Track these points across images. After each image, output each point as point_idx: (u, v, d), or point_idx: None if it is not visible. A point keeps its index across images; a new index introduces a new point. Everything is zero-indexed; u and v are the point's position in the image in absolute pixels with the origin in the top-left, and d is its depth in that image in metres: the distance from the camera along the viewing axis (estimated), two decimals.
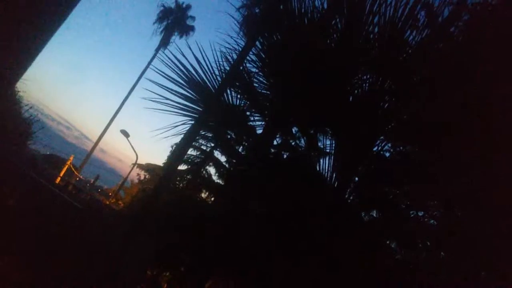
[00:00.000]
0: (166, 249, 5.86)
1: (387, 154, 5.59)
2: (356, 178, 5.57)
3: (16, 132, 7.96)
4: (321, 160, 5.51)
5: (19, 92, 8.63)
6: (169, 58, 5.59)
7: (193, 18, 39.90)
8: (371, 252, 4.71)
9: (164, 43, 34.77)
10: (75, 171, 17.10)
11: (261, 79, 6.07)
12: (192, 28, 38.48)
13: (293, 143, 6.31)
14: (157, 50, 28.75)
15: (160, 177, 6.05)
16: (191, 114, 5.96)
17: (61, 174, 14.21)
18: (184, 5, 40.24)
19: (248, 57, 5.68)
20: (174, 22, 39.15)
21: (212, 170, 9.48)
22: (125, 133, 20.06)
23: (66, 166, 15.17)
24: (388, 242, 5.37)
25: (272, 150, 6.40)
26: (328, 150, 5.75)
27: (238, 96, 6.13)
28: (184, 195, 7.16)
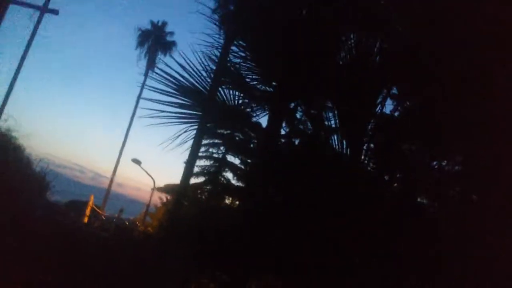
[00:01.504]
0: (205, 261, 5.90)
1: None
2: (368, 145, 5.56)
3: (32, 188, 8.04)
4: (333, 137, 5.47)
5: (25, 149, 8.71)
6: (158, 74, 5.65)
7: (171, 33, 39.88)
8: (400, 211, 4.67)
9: (150, 65, 34.83)
10: (98, 210, 17.27)
11: (249, 65, 6.03)
12: (173, 43, 38.46)
13: (301, 128, 6.30)
14: (145, 74, 28.89)
15: (177, 195, 6.06)
16: (190, 120, 5.96)
17: (87, 213, 14.45)
18: (160, 24, 40.24)
19: (232, 49, 5.68)
20: (155, 42, 39.20)
21: (229, 175, 9.49)
22: (137, 161, 20.15)
23: (89, 207, 15.33)
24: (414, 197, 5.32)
25: (283, 140, 6.40)
26: (334, 126, 5.73)
27: (232, 92, 6.10)
28: (204, 206, 7.18)
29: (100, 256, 5.61)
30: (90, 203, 16.62)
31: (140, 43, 39.77)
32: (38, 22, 17.47)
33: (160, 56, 38.99)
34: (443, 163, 5.90)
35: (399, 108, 5.89)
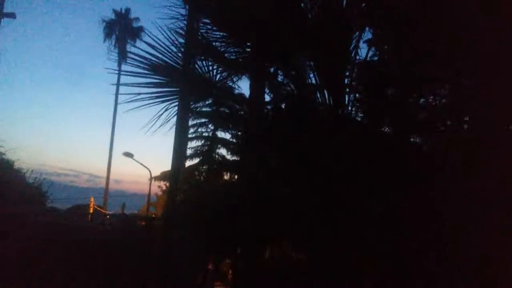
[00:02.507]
0: (216, 240, 5.96)
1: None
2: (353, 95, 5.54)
3: (28, 198, 8.01)
4: (317, 95, 5.42)
5: (14, 162, 8.63)
6: (130, 58, 5.57)
7: (137, 19, 38.95)
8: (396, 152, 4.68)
9: (122, 55, 34.04)
10: (101, 210, 17.35)
11: (217, 31, 5.91)
12: (141, 29, 37.51)
13: (284, 92, 6.25)
14: (119, 64, 28.32)
15: (170, 181, 6.02)
16: (169, 98, 5.88)
17: (91, 211, 14.68)
18: (123, 11, 39.23)
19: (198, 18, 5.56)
20: (122, 31, 38.30)
21: (223, 151, 9.50)
22: (129, 154, 20.10)
23: (91, 208, 15.44)
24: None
25: (268, 107, 6.36)
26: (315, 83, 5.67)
27: (207, 63, 6.00)
28: (203, 186, 7.21)
29: (105, 248, 5.69)
30: (91, 204, 16.70)
31: (108, 35, 38.90)
32: None
33: (130, 44, 38.19)
34: (430, 99, 5.90)
35: (377, 52, 5.83)
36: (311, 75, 5.67)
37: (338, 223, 4.45)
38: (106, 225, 11.91)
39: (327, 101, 5.13)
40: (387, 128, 5.89)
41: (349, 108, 5.34)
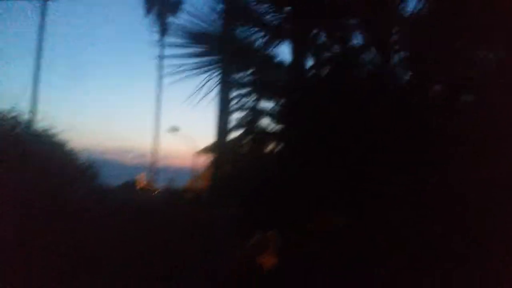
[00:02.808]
0: (261, 211, 5.92)
1: None
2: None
3: (81, 177, 8.34)
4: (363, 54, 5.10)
5: (66, 143, 8.96)
6: (171, 30, 5.55)
7: None
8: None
9: (163, 27, 34.32)
10: (149, 185, 17.97)
11: None
12: (179, 2, 37.46)
13: (327, 56, 5.96)
14: (160, 37, 28.52)
15: (216, 153, 5.99)
16: (210, 67, 5.77)
17: (140, 187, 15.30)
18: None
19: None
20: (162, 5, 38.42)
21: (265, 121, 9.35)
22: (174, 129, 20.55)
23: (141, 184, 16.00)
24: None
25: (310, 74, 6.10)
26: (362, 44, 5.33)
27: (248, 29, 5.81)
28: (247, 158, 7.13)
29: (153, 220, 5.85)
30: (141, 180, 17.33)
31: (148, 9, 39.07)
32: (43, 12, 17.53)
33: (170, 15, 38.31)
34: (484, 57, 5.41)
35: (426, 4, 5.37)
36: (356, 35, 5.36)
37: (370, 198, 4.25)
38: (154, 199, 12.31)
39: (375, 61, 4.82)
40: (436, 87, 5.49)
41: (397, 67, 5.02)
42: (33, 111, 15.35)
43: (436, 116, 4.47)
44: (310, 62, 5.86)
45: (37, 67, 17.33)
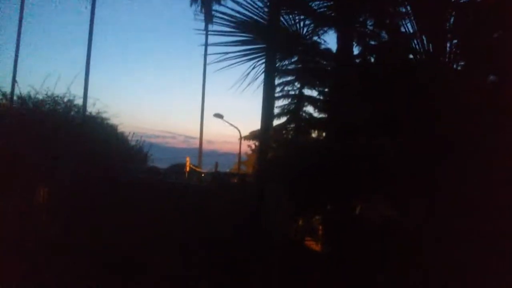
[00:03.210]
0: (306, 196, 5.99)
1: None
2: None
3: (132, 159, 8.72)
4: (413, 41, 4.96)
5: (118, 126, 9.37)
6: (217, 17, 5.63)
7: None
8: None
9: (208, 15, 34.58)
10: (196, 168, 18.39)
11: None
12: None
13: (373, 43, 5.85)
14: (205, 25, 28.90)
15: (260, 139, 6.07)
16: (256, 55, 5.83)
17: (187, 170, 15.69)
18: None
19: None
20: None
21: (310, 109, 9.36)
22: (219, 115, 20.85)
23: (188, 167, 16.41)
24: None
25: (357, 60, 6.02)
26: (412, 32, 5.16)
27: (293, 16, 5.78)
28: (291, 144, 7.17)
29: (202, 199, 6.12)
30: (187, 163, 17.80)
31: None
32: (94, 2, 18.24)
33: (215, 6, 38.39)
34: None
35: None
36: (405, 23, 5.20)
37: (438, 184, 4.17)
38: (202, 182, 12.63)
39: (426, 48, 4.67)
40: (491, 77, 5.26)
41: (449, 55, 4.84)
42: (85, 95, 16.07)
43: (488, 107, 4.31)
44: (356, 50, 5.79)
45: (89, 55, 18.09)
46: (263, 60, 5.71)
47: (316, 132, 8.13)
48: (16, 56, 19.38)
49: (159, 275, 4.62)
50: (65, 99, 7.42)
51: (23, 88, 7.80)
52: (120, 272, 4.51)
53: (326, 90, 7.51)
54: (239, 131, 20.44)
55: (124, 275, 4.50)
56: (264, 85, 5.15)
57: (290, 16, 5.77)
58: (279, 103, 9.45)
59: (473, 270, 3.93)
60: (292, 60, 6.70)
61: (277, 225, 5.35)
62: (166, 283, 4.62)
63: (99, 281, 4.33)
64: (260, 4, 5.60)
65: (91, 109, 8.36)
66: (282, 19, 5.67)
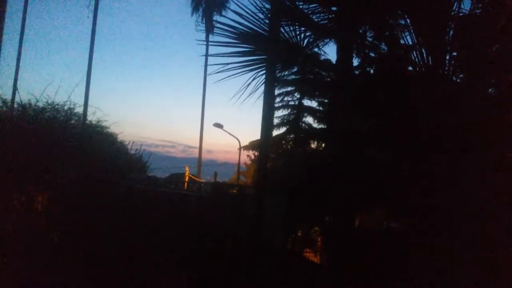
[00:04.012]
0: (305, 207, 5.98)
1: None
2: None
3: (131, 168, 8.72)
4: (413, 53, 5.00)
5: (118, 135, 9.39)
6: (218, 28, 5.69)
7: None
8: None
9: (209, 25, 34.87)
10: (195, 178, 18.39)
11: None
12: (226, 0, 37.83)
13: (372, 55, 5.89)
14: (206, 36, 29.06)
15: (260, 150, 6.10)
16: (256, 66, 5.86)
17: (186, 180, 15.68)
18: None
19: None
20: (208, 2, 38.90)
21: (309, 119, 9.39)
22: (218, 125, 20.85)
23: (187, 177, 16.42)
24: None
25: (356, 72, 6.06)
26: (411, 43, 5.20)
27: (293, 28, 5.83)
28: (290, 155, 7.18)
29: (199, 208, 6.13)
30: (187, 173, 17.82)
31: (195, 8, 39.70)
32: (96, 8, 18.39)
33: (216, 14, 38.71)
34: None
35: (479, 5, 5.18)
36: (405, 35, 5.25)
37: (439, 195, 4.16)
38: (201, 192, 12.65)
39: (425, 60, 4.70)
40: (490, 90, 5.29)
41: (448, 68, 4.87)
42: (86, 104, 16.08)
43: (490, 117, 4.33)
44: (356, 62, 5.83)
45: (90, 64, 18.17)
46: (263, 71, 5.75)
47: (315, 143, 8.15)
48: (18, 63, 19.46)
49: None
50: (66, 107, 7.45)
51: (24, 95, 7.83)
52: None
53: (326, 100, 7.56)
54: (238, 141, 20.45)
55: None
56: (264, 95, 5.18)
57: (291, 28, 5.82)
58: (279, 113, 9.49)
59: (473, 279, 3.92)
60: (292, 70, 6.74)
61: (277, 236, 5.36)
62: None
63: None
64: (261, 15, 5.65)
65: (92, 117, 8.37)
66: (282, 30, 5.72)
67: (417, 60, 4.85)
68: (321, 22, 5.78)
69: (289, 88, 7.94)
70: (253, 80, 5.92)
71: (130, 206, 5.40)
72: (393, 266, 4.62)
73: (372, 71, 6.03)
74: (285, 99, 8.64)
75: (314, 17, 5.71)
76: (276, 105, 8.19)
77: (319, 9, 5.61)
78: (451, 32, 5.05)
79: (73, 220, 5.01)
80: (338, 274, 5.26)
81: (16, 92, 8.33)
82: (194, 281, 4.96)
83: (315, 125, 8.27)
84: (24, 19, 20.18)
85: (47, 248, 4.78)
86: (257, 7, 5.60)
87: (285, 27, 5.78)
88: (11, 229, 4.90)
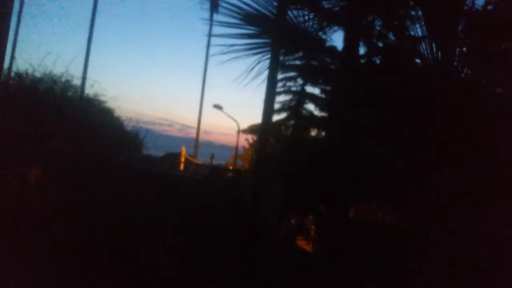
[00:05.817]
0: (299, 195, 5.94)
1: None
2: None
3: (127, 145, 8.63)
4: (421, 45, 4.88)
5: (115, 110, 9.24)
6: (223, 8, 5.53)
7: None
8: None
9: (214, 4, 34.41)
10: (192, 159, 18.33)
11: None
12: None
13: (380, 45, 5.76)
14: (210, 15, 28.81)
15: (259, 134, 6.02)
16: (261, 50, 5.73)
17: (183, 160, 15.62)
18: None
19: None
20: None
21: (311, 106, 9.28)
22: (218, 107, 20.77)
23: (183, 157, 16.35)
24: None
25: (362, 61, 5.94)
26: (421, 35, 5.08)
27: (301, 12, 5.68)
28: (289, 141, 7.10)
29: (196, 192, 6.09)
30: (183, 153, 17.73)
31: None
32: None
33: None
34: None
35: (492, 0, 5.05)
36: (415, 27, 5.12)
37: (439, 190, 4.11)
38: (198, 174, 12.61)
39: (435, 54, 4.59)
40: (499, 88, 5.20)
41: (457, 63, 4.77)
42: (84, 77, 15.86)
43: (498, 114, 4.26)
44: (362, 50, 5.70)
45: (90, 38, 17.89)
46: (268, 55, 5.62)
47: (315, 130, 8.06)
48: (17, 29, 19.10)
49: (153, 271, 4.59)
50: (63, 79, 7.31)
51: (21, 65, 7.67)
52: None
53: (329, 88, 7.44)
54: (237, 124, 20.40)
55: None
56: (268, 80, 5.07)
57: (299, 12, 5.66)
58: (280, 98, 9.35)
59: (470, 272, 3.90)
60: (296, 56, 6.61)
61: (272, 222, 5.33)
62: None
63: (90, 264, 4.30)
64: None
65: (89, 90, 8.23)
66: (290, 14, 5.57)
67: (425, 53, 4.73)
68: (330, 7, 5.63)
69: (292, 74, 7.82)
70: (257, 64, 5.80)
71: (123, 185, 5.36)
72: (386, 259, 4.60)
73: (378, 61, 5.92)
74: (287, 84, 8.51)
75: (324, 3, 5.56)
76: (278, 90, 8.08)
77: None
78: (462, 27, 4.95)
79: (65, 195, 4.97)
80: (330, 263, 5.24)
81: (14, 61, 8.14)
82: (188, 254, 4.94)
83: (317, 112, 8.17)
84: None
85: (39, 220, 4.75)
86: None
87: (293, 11, 5.63)
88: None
